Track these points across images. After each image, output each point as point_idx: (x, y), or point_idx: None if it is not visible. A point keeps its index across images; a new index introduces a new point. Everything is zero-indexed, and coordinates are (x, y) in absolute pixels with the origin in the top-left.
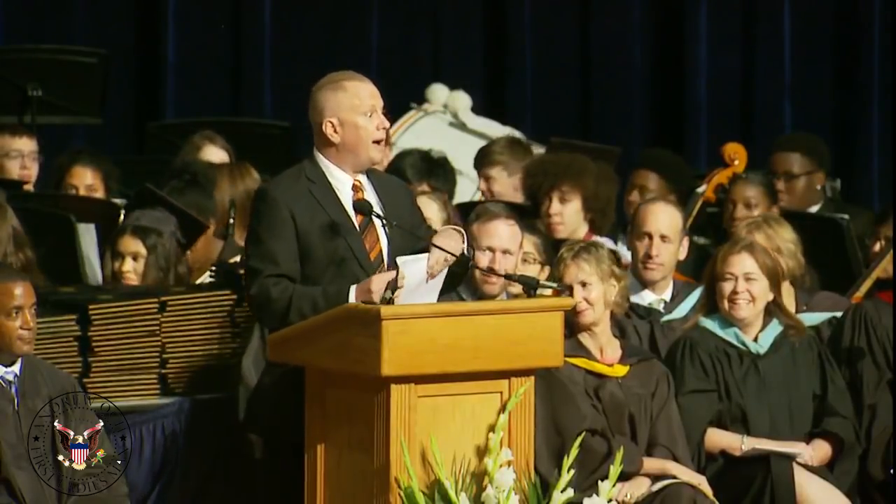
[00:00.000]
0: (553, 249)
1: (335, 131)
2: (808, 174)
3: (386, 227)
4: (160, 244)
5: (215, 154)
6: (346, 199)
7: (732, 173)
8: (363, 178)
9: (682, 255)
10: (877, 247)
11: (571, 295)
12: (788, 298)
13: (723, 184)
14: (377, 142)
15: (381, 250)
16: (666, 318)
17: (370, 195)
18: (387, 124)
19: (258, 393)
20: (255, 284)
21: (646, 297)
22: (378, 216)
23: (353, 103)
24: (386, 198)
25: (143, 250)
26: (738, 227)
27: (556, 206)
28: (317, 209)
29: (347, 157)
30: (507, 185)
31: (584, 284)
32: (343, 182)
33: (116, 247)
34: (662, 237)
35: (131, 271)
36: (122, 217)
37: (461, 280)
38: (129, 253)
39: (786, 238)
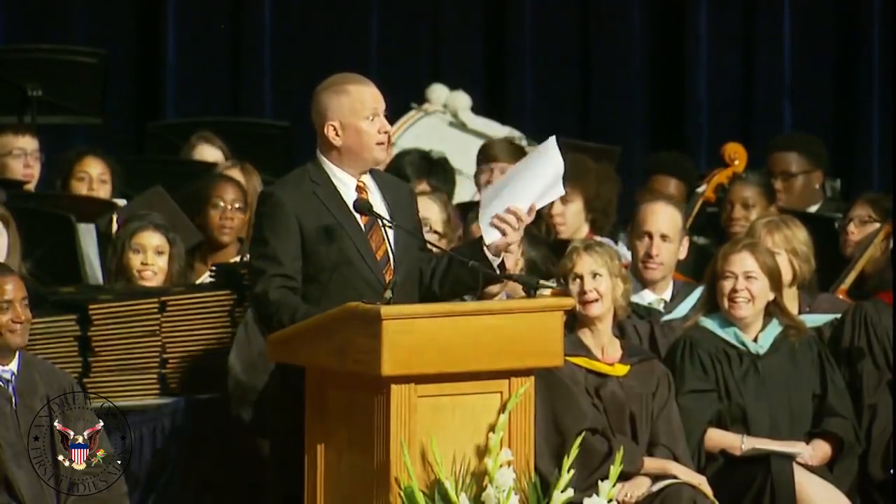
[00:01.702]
0: (553, 250)
1: (337, 134)
2: (805, 173)
3: (388, 228)
4: (178, 240)
5: (210, 154)
6: (351, 200)
7: (732, 173)
8: (367, 179)
9: (683, 255)
10: (850, 226)
11: (580, 288)
12: (792, 300)
13: (723, 184)
14: (380, 144)
15: (386, 250)
16: (666, 317)
17: (374, 195)
18: (389, 128)
19: (263, 397)
20: (259, 283)
21: (646, 297)
22: (378, 216)
23: (354, 107)
24: (390, 198)
25: (166, 245)
26: (755, 225)
27: (557, 206)
28: (321, 211)
29: (350, 159)
30: None
31: (594, 276)
32: (347, 183)
33: (136, 240)
34: (663, 237)
35: (154, 265)
36: (115, 214)
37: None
38: (152, 247)
39: (801, 240)
